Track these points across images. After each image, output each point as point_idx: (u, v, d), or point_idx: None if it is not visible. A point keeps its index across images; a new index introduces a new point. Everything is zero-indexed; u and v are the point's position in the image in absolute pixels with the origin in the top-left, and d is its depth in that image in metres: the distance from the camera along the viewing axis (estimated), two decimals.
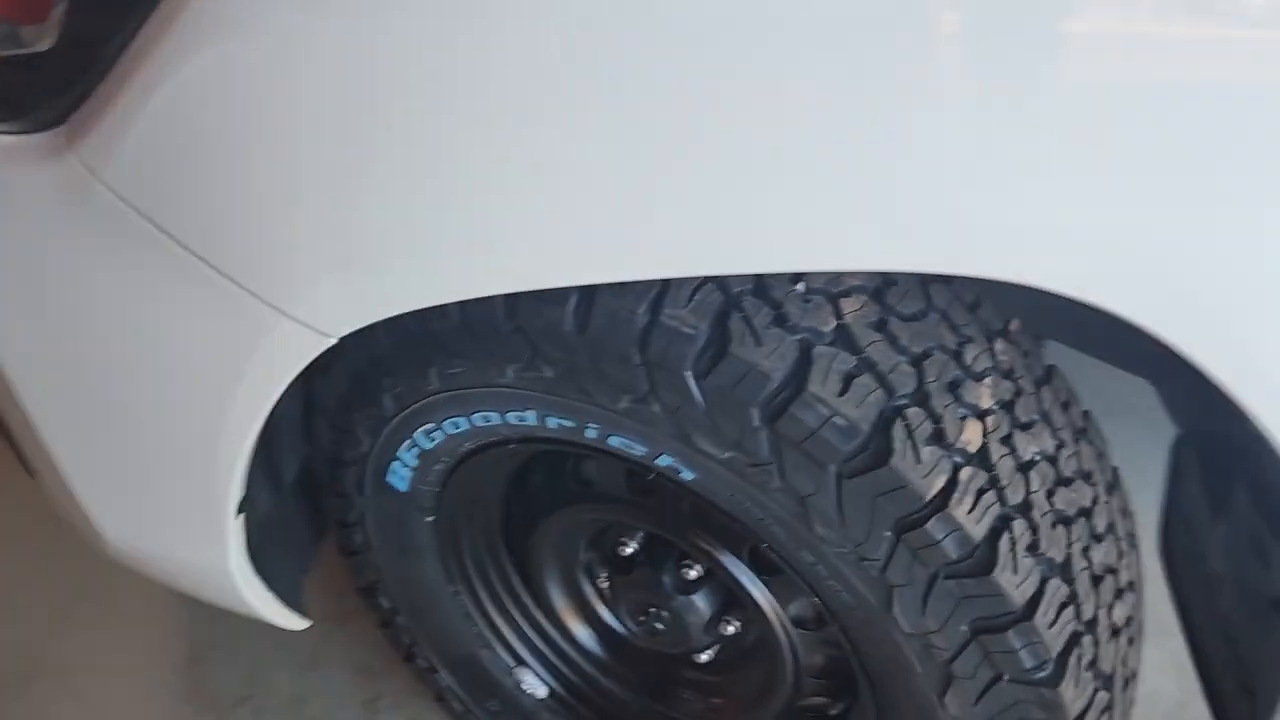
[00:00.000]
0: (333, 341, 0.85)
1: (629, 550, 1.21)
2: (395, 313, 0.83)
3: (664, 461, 0.96)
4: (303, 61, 0.72)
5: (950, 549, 0.85)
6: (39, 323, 0.92)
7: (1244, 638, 1.06)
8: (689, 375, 0.88)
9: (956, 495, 0.85)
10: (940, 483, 0.84)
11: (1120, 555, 0.99)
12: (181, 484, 1.01)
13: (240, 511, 1.03)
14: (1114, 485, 1.04)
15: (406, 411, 1.11)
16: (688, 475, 0.95)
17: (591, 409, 0.96)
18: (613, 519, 1.22)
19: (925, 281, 0.95)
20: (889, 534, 0.86)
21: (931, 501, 0.84)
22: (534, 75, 0.72)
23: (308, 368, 0.89)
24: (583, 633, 1.36)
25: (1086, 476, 0.97)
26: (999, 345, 0.96)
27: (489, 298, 0.92)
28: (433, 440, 1.13)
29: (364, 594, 1.42)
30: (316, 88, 0.73)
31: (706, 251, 0.79)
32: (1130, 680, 1.00)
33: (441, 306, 0.93)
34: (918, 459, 0.84)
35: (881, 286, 0.93)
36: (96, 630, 1.87)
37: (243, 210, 0.78)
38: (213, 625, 1.86)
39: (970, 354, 0.92)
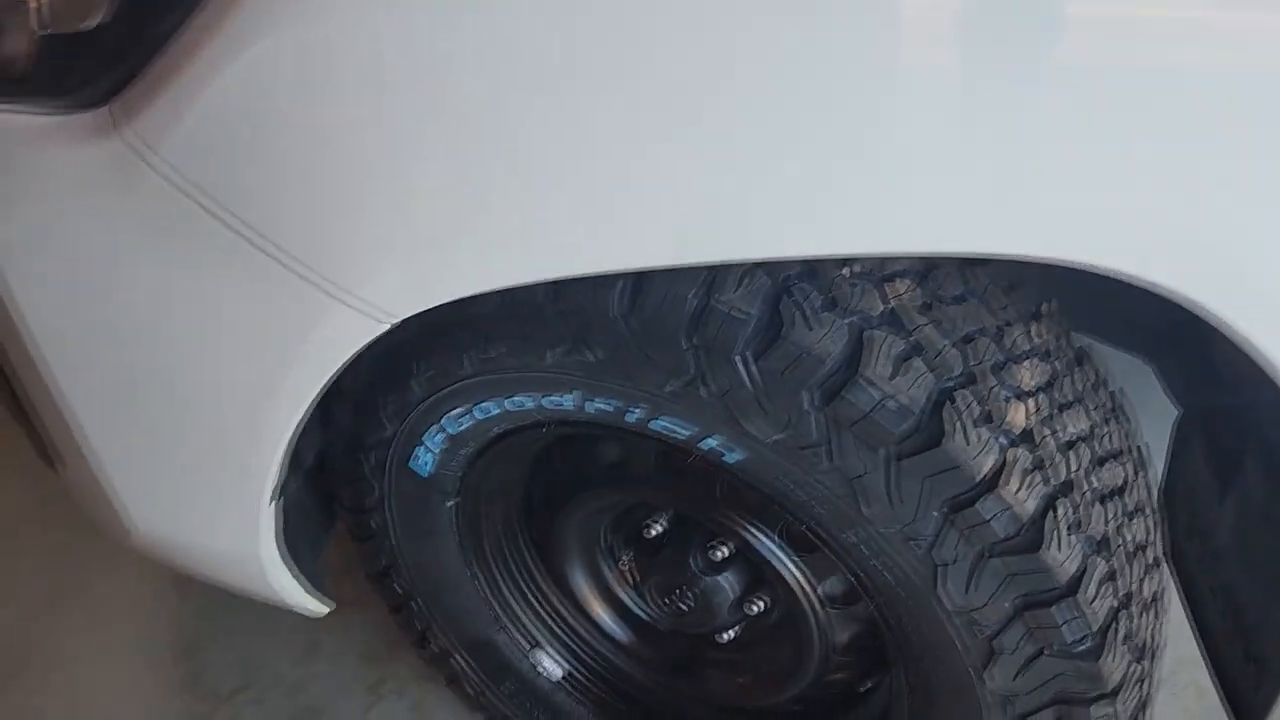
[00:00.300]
0: (387, 327, 0.84)
1: (654, 531, 1.21)
2: (459, 296, 0.83)
3: (709, 444, 0.97)
4: (375, 43, 0.71)
5: (999, 528, 0.87)
6: (78, 305, 0.90)
7: (1251, 608, 1.10)
8: (740, 359, 0.88)
9: (1005, 475, 0.86)
10: (990, 463, 0.86)
11: (1150, 531, 1.01)
12: (220, 469, 0.99)
13: (276, 497, 1.02)
14: (1142, 463, 1.07)
15: (436, 396, 1.10)
16: (733, 458, 0.96)
17: (636, 392, 0.96)
18: (640, 500, 1.22)
19: (965, 265, 0.97)
20: (938, 514, 0.88)
21: (982, 481, 0.86)
22: (602, 56, 0.72)
23: None
24: (603, 614, 1.37)
25: (1119, 455, 1.00)
26: (1036, 328, 0.98)
27: (532, 288, 0.92)
28: (461, 425, 1.12)
29: (377, 579, 1.41)
30: (389, 68, 0.72)
31: (773, 235, 0.79)
32: (1159, 653, 1.03)
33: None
34: (968, 440, 0.86)
35: (924, 271, 0.94)
36: (87, 621, 1.84)
37: (307, 192, 0.77)
38: (208, 615, 1.84)
39: (1011, 336, 0.94)
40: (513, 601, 1.38)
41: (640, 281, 0.90)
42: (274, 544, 1.06)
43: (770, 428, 0.91)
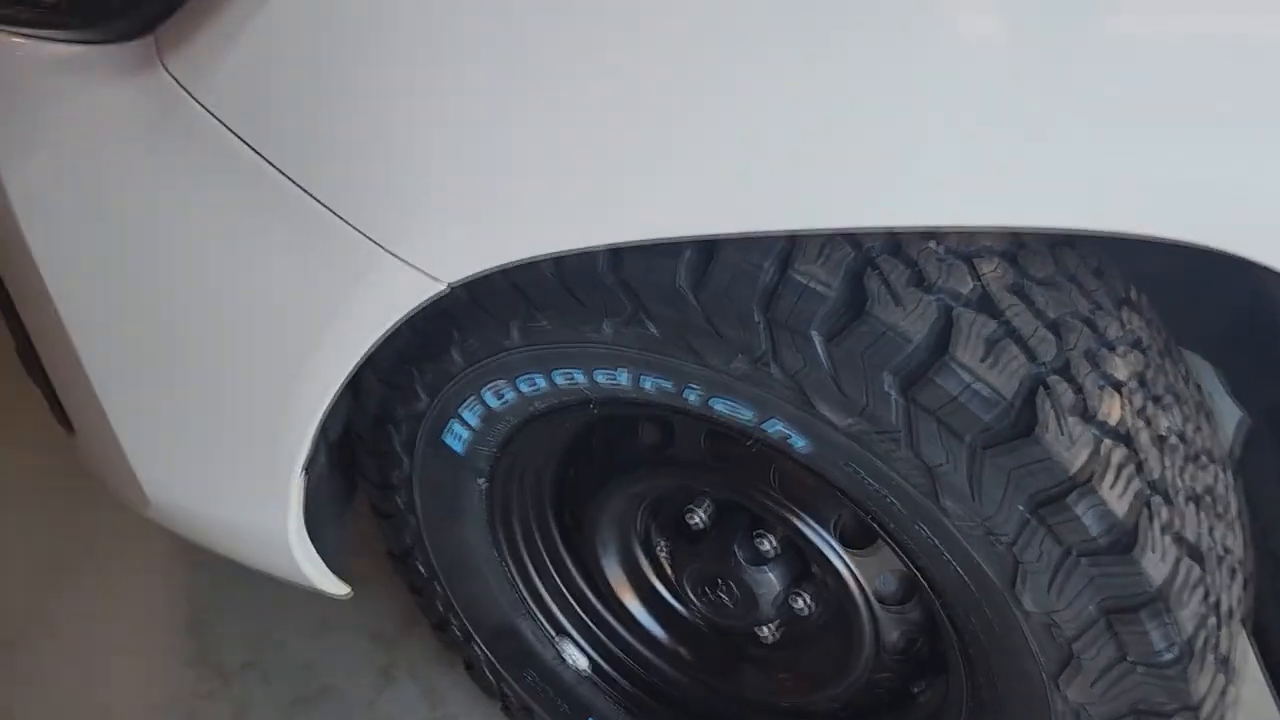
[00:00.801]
0: (443, 289, 0.78)
1: (696, 519, 1.15)
2: (517, 259, 0.76)
3: (772, 428, 0.91)
4: None
5: (1090, 526, 0.81)
6: (103, 252, 0.84)
7: None
8: (817, 336, 0.82)
9: (1100, 470, 0.80)
10: (1084, 456, 0.80)
11: (1237, 536, 0.96)
12: (247, 437, 0.93)
13: (306, 470, 0.96)
14: (1228, 463, 1.01)
15: (475, 367, 1.04)
16: (799, 443, 0.90)
17: (697, 370, 0.90)
18: (682, 485, 1.16)
19: (1053, 245, 0.91)
20: (1023, 509, 0.82)
21: (1075, 476, 0.80)
22: (680, 13, 0.66)
23: None
24: (636, 604, 1.31)
25: (1209, 454, 0.94)
26: (1126, 313, 0.92)
27: (591, 257, 0.86)
28: (501, 399, 1.06)
29: (399, 558, 1.35)
30: (455, 11, 0.66)
31: (859, 203, 0.73)
32: (1241, 671, 0.97)
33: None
34: (1062, 431, 0.80)
35: (1013, 249, 0.88)
36: (92, 592, 1.77)
37: (360, 140, 0.71)
38: (216, 589, 1.77)
39: (1103, 322, 0.88)
40: (541, 587, 1.32)
41: (709, 249, 0.84)
42: (301, 519, 1.00)
43: (845, 411, 0.85)
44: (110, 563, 1.81)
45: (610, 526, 1.24)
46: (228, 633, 1.71)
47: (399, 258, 0.75)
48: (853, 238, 0.83)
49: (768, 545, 1.12)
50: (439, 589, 1.35)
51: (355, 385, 1.17)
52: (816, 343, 0.83)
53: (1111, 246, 0.89)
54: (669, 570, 1.27)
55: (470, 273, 0.77)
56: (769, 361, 0.85)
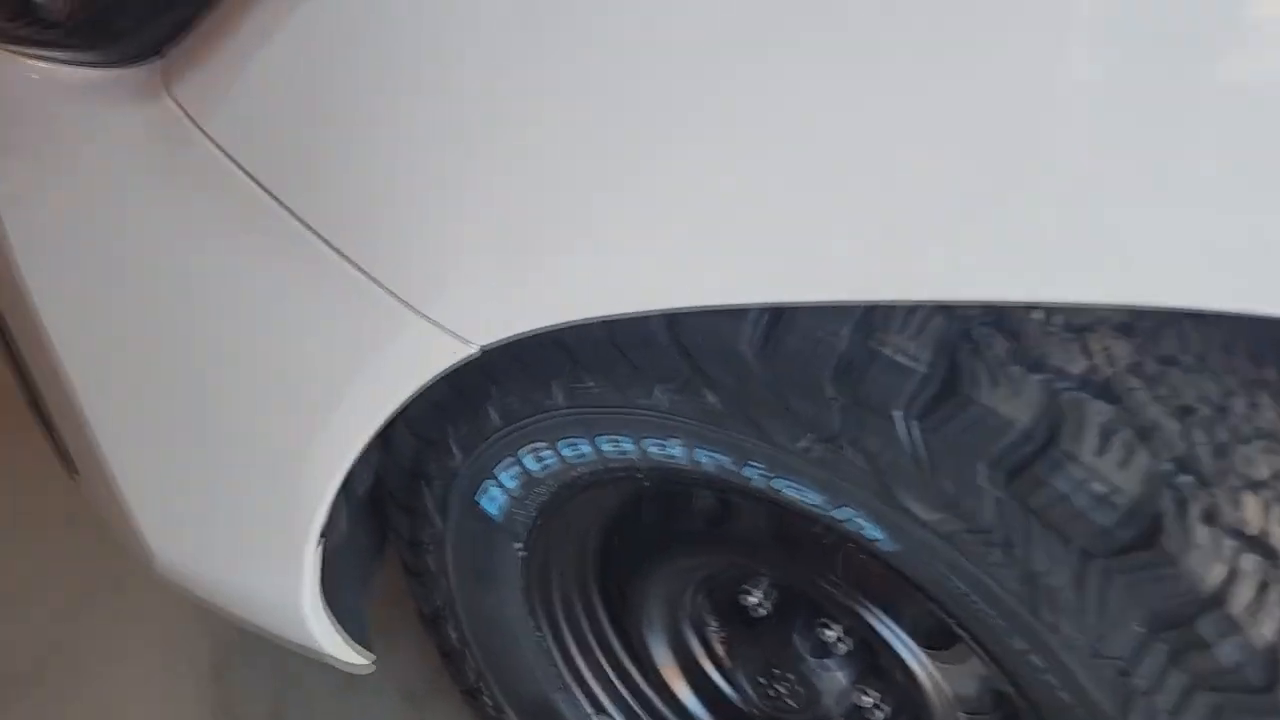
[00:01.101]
0: (474, 352, 0.68)
1: (753, 600, 1.04)
2: (559, 323, 0.67)
3: (844, 515, 0.79)
4: (472, 12, 0.55)
5: (1224, 655, 0.68)
6: (106, 292, 0.76)
7: None
8: (900, 416, 0.71)
9: (1236, 588, 0.68)
10: (1220, 571, 0.68)
11: None
12: (259, 502, 0.84)
13: (322, 537, 0.86)
14: None
15: (515, 427, 0.94)
16: (874, 534, 0.79)
17: (759, 446, 0.80)
18: (739, 563, 1.05)
19: (1176, 319, 0.79)
20: (1141, 629, 0.70)
21: (1207, 594, 0.68)
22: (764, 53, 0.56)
23: None
24: (683, 687, 1.20)
25: None
26: (1263, 398, 0.79)
27: (645, 321, 0.77)
28: (542, 463, 0.96)
29: (429, 621, 1.26)
30: (489, 44, 0.56)
31: (957, 274, 0.62)
32: None
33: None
34: (1191, 539, 0.67)
35: (1130, 322, 0.76)
36: (111, 629, 1.71)
37: (381, 186, 0.62)
38: (244, 634, 1.69)
39: (1237, 408, 0.76)
40: (580, 663, 1.22)
41: (780, 312, 0.74)
42: (317, 589, 0.91)
43: (931, 505, 0.73)
44: (138, 598, 1.75)
45: (658, 603, 1.13)
46: (253, 682, 1.63)
47: (423, 315, 0.66)
48: (946, 305, 0.72)
49: (833, 636, 1.00)
50: (470, 656, 1.25)
51: (386, 436, 1.08)
52: (899, 424, 0.71)
53: (1239, 319, 0.77)
54: (721, 654, 1.16)
55: (505, 335, 0.68)
56: (842, 443, 0.74)
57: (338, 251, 0.65)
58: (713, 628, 1.15)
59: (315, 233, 0.65)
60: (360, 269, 0.65)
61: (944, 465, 0.71)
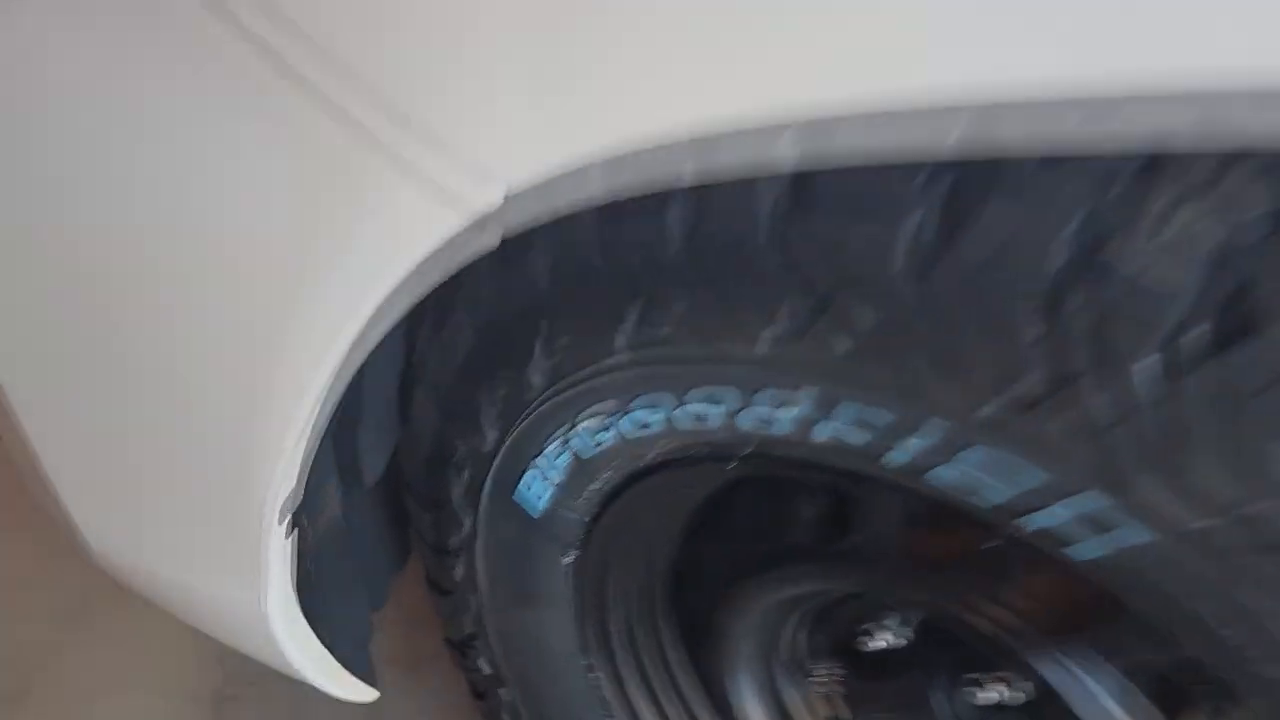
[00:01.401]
0: (495, 202, 0.43)
1: (879, 644, 0.77)
2: (602, 151, 0.41)
3: (1048, 519, 0.53)
4: None
5: None
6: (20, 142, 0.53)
7: None
8: (1149, 363, 0.45)
9: None
10: None
11: None
12: (196, 456, 0.59)
13: (294, 520, 0.62)
14: None
15: (564, 388, 0.70)
16: (1091, 549, 0.52)
17: (918, 410, 0.54)
18: (861, 592, 0.79)
19: None
20: None
21: None
22: None
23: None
24: None
25: None
26: None
27: (745, 205, 0.52)
28: (597, 441, 0.72)
29: (457, 649, 1.03)
30: None
31: None
32: None
33: (656, 213, 0.54)
34: None
35: None
36: (104, 648, 1.51)
37: None
38: (246, 657, 1.48)
39: None
40: (641, 707, 0.97)
41: (956, 205, 0.48)
42: (288, 591, 0.66)
43: (1196, 504, 0.46)
44: (123, 616, 1.54)
45: (748, 641, 0.88)
46: (257, 711, 1.42)
47: (437, 162, 0.42)
48: (1224, 212, 0.45)
49: (995, 694, 0.72)
50: (505, 696, 1.01)
51: (406, 408, 0.85)
52: (1144, 379, 0.45)
53: None
54: (831, 709, 0.89)
55: (537, 171, 0.42)
56: (1051, 407, 0.48)
57: (290, 72, 0.41)
58: (819, 676, 0.88)
59: (267, 45, 0.42)
60: (324, 88, 0.40)
61: (1219, 447, 0.44)
